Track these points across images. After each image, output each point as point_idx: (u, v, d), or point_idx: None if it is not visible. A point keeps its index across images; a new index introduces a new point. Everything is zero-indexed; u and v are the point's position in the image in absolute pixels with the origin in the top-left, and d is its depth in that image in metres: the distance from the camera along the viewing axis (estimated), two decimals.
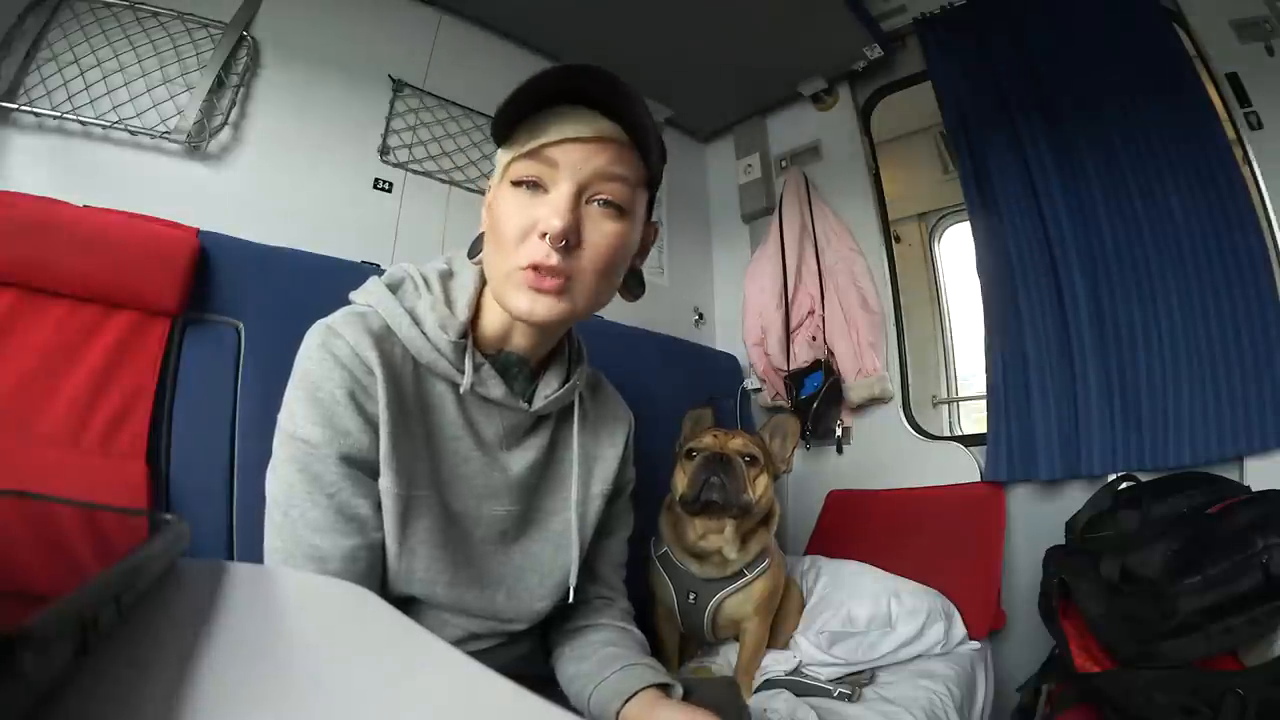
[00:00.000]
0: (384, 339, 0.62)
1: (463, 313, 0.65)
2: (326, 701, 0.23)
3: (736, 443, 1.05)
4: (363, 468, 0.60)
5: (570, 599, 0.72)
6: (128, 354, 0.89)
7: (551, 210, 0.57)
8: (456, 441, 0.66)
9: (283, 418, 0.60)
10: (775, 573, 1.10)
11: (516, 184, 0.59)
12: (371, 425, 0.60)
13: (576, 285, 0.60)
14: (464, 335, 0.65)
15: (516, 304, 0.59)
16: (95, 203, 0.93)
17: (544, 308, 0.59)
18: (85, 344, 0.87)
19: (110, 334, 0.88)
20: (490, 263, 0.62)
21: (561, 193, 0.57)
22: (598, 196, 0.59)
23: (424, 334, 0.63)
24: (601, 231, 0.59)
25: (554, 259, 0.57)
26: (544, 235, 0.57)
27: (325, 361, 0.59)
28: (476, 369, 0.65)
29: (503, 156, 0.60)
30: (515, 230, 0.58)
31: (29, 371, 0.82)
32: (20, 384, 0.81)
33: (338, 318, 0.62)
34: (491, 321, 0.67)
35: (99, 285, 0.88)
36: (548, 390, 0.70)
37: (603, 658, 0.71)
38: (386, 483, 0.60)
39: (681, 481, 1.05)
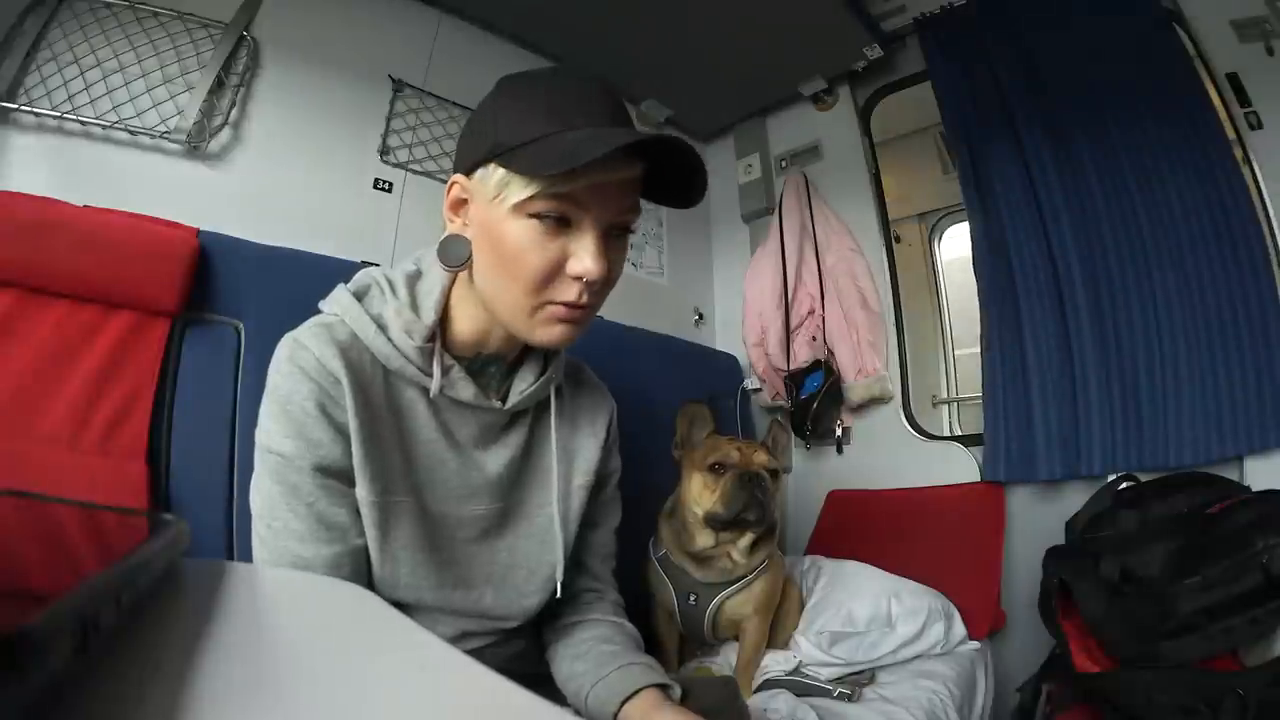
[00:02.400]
0: (350, 348, 0.62)
1: (429, 315, 0.64)
2: (326, 700, 0.23)
3: (761, 457, 1.04)
4: (338, 477, 0.61)
5: (559, 594, 0.72)
6: (128, 354, 0.89)
7: (586, 253, 0.57)
8: (430, 445, 0.66)
9: (258, 432, 0.61)
10: (774, 573, 1.10)
11: (534, 216, 0.57)
12: (343, 435, 0.60)
13: (596, 308, 0.63)
14: (431, 339, 0.64)
15: (545, 337, 0.61)
16: (95, 203, 0.93)
17: (571, 335, 0.62)
18: (85, 344, 0.87)
19: (110, 334, 0.88)
20: (501, 293, 0.61)
21: (593, 236, 0.58)
22: (618, 227, 0.61)
23: (390, 340, 0.63)
24: (620, 259, 0.62)
25: (586, 298, 0.59)
26: (579, 278, 0.58)
27: (293, 375, 0.60)
28: (445, 372, 0.64)
29: (517, 184, 0.56)
30: (540, 269, 0.57)
31: (29, 371, 0.82)
32: (20, 384, 0.81)
33: (304, 329, 0.62)
34: (467, 326, 0.66)
35: (99, 285, 0.88)
36: (522, 385, 0.70)
37: (599, 656, 0.71)
38: (362, 491, 0.61)
39: (706, 496, 1.02)
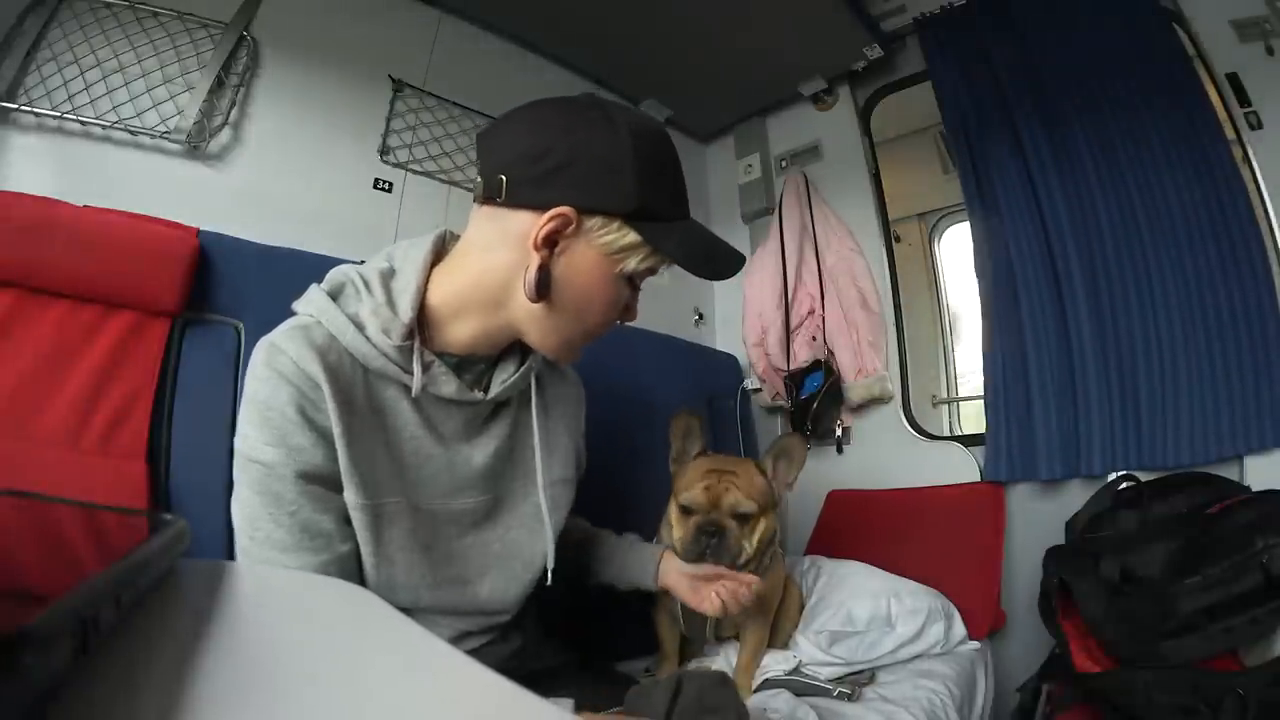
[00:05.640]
0: (328, 350, 0.61)
1: (406, 313, 0.63)
2: (326, 700, 0.23)
3: (730, 498, 0.96)
4: (322, 483, 0.60)
5: (549, 580, 0.73)
6: (128, 354, 0.89)
7: (635, 304, 0.70)
8: (416, 441, 0.66)
9: (238, 441, 0.59)
10: (774, 573, 1.10)
11: (628, 277, 0.65)
12: (325, 439, 0.59)
13: None
14: (409, 336, 0.63)
15: (569, 359, 0.70)
16: (95, 203, 0.93)
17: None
18: (85, 344, 0.87)
19: (110, 334, 0.88)
20: (560, 326, 0.65)
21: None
22: None
23: (368, 339, 0.62)
24: None
25: None
26: (623, 323, 0.70)
27: (271, 380, 0.58)
28: (426, 368, 0.64)
29: (644, 255, 0.63)
30: (610, 316, 0.67)
31: (29, 372, 0.82)
32: (20, 384, 0.81)
33: (279, 332, 0.61)
34: (466, 332, 0.66)
35: (99, 285, 0.88)
36: (504, 375, 0.71)
37: (618, 547, 0.94)
38: (351, 496, 0.60)
39: (675, 532, 0.98)
